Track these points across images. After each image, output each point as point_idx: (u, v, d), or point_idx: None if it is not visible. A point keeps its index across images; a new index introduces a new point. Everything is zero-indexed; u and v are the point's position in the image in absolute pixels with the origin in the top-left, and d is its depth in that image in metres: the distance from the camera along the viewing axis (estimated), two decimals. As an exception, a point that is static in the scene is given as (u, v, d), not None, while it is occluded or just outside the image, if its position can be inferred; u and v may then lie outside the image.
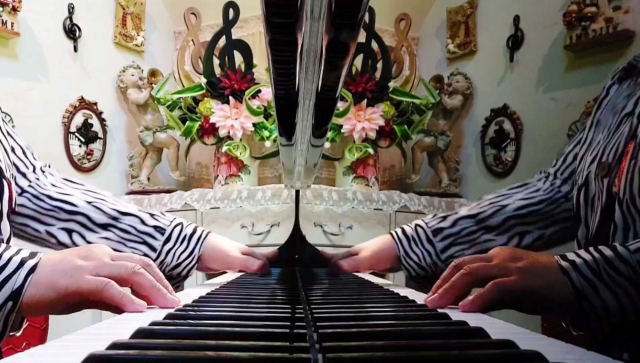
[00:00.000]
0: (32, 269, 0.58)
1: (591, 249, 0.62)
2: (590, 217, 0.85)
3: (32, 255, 0.60)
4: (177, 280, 0.94)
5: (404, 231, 1.01)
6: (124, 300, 0.58)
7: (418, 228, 1.00)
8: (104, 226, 0.91)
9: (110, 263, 0.62)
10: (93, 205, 0.91)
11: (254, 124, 2.09)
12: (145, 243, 0.92)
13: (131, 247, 0.91)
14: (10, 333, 0.60)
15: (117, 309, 0.60)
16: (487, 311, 0.60)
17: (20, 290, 0.56)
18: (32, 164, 0.92)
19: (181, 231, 0.94)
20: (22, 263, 0.58)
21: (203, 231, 0.98)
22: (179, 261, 0.92)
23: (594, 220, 0.83)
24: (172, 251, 0.92)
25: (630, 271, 0.58)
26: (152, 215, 0.95)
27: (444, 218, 1.00)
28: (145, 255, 0.90)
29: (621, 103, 0.86)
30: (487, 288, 0.59)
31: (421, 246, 0.97)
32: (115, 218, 0.92)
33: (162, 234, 0.93)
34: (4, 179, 0.81)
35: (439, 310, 0.56)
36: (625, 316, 0.57)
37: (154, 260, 0.89)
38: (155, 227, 0.93)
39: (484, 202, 1.01)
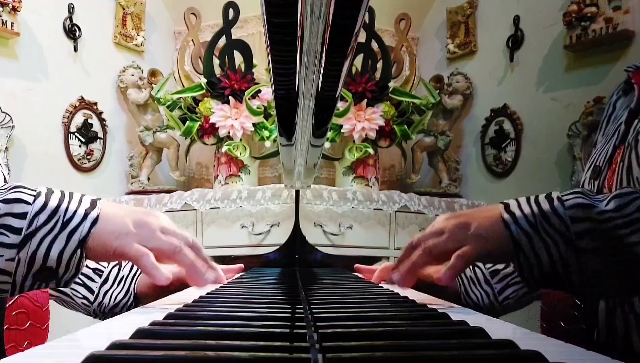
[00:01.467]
0: (95, 221, 0.64)
1: (532, 201, 0.65)
2: None
3: (93, 204, 0.66)
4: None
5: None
6: (153, 271, 0.66)
7: (476, 268, 1.01)
8: None
9: (158, 237, 0.68)
10: None
11: (254, 124, 2.09)
12: (84, 285, 0.92)
13: (71, 288, 0.91)
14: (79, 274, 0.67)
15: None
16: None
17: (85, 239, 0.63)
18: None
19: (118, 272, 0.95)
20: (85, 216, 0.64)
21: (138, 268, 0.98)
22: (116, 301, 0.93)
23: None
24: (109, 292, 0.93)
25: (562, 227, 0.61)
26: None
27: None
28: (84, 297, 0.92)
29: (621, 114, 0.89)
30: (454, 262, 0.66)
31: (480, 287, 0.99)
32: None
33: (100, 276, 0.94)
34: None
35: (439, 310, 0.56)
36: (554, 266, 0.61)
37: (92, 302, 0.92)
38: (94, 269, 0.94)
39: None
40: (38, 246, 0.60)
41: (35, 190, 0.63)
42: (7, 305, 0.87)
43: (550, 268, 0.61)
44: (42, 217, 0.61)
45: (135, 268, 0.96)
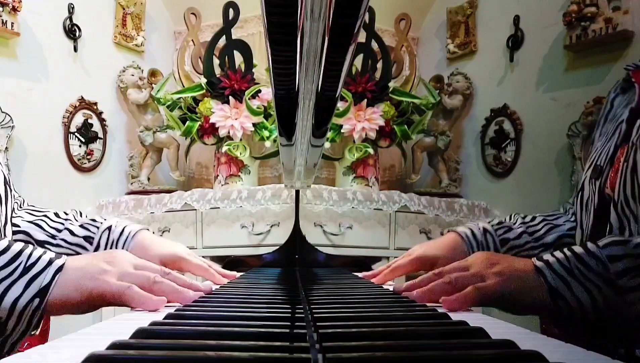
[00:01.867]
0: (60, 269, 0.60)
1: (565, 249, 0.64)
2: (585, 219, 0.87)
3: (58, 256, 0.62)
4: None
5: (473, 233, 1.00)
6: (144, 299, 0.61)
7: (487, 233, 1.00)
8: (42, 244, 0.92)
9: (134, 272, 0.65)
10: (34, 223, 0.93)
11: (254, 124, 2.09)
12: (76, 254, 0.91)
13: None
14: (31, 333, 0.61)
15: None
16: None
17: (47, 288, 0.58)
18: None
19: (109, 236, 0.94)
20: (50, 262, 0.60)
21: (131, 230, 0.97)
22: None
23: (587, 222, 0.85)
24: None
25: (600, 267, 0.59)
26: (84, 225, 0.95)
27: (509, 229, 1.00)
28: None
29: (620, 112, 0.89)
30: (468, 291, 0.63)
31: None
32: (52, 236, 0.93)
33: (91, 243, 0.93)
34: (7, 186, 0.82)
35: (439, 310, 0.56)
36: (597, 311, 0.58)
37: None
38: (85, 237, 0.93)
39: (537, 219, 1.02)
40: None
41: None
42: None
43: (594, 313, 0.58)
44: (3, 259, 0.58)
45: (125, 232, 0.95)
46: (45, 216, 0.95)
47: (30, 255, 0.60)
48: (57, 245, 0.92)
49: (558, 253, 0.63)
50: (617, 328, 0.58)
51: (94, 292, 0.60)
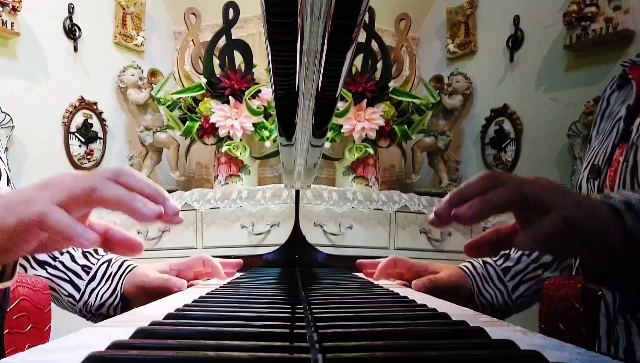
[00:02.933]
0: None
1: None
2: None
3: None
4: (99, 318, 0.92)
5: (474, 266, 1.00)
6: (70, 229, 0.48)
7: (487, 265, 0.99)
8: (42, 264, 0.91)
9: (67, 187, 0.50)
10: None
11: (254, 124, 2.09)
12: (70, 282, 0.91)
13: (58, 284, 0.90)
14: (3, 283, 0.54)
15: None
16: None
17: None
18: None
19: (107, 268, 0.93)
20: None
21: (130, 264, 0.95)
22: (102, 300, 0.91)
23: None
24: (96, 290, 0.91)
25: None
26: (86, 253, 0.94)
27: (507, 256, 1.00)
28: (70, 294, 0.90)
29: (617, 109, 0.87)
30: (548, 220, 0.49)
31: (493, 285, 0.97)
32: (53, 257, 0.92)
33: (88, 273, 0.92)
34: (11, 187, 0.82)
35: (439, 310, 0.56)
36: None
37: (78, 301, 0.90)
38: (83, 266, 0.92)
39: None
40: None
41: None
42: (7, 309, 0.87)
43: None
44: None
45: (124, 266, 0.95)
46: None
47: None
48: (55, 267, 0.91)
49: (633, 194, 0.53)
50: None
51: (18, 227, 0.49)
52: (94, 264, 0.94)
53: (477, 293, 0.97)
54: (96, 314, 0.92)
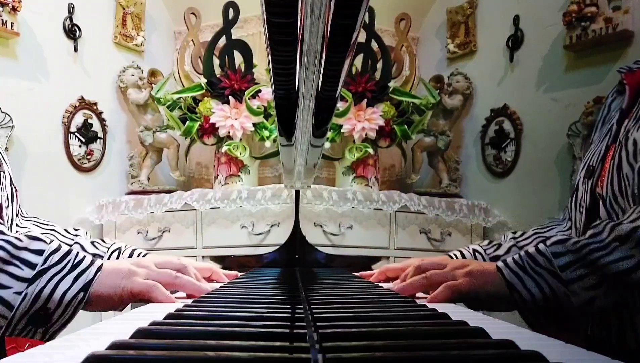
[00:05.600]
0: (100, 267, 0.68)
1: (521, 251, 0.73)
2: (578, 218, 0.89)
3: (95, 259, 0.70)
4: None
5: (462, 254, 1.04)
6: (168, 300, 0.70)
7: (476, 253, 1.03)
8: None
9: (157, 271, 0.75)
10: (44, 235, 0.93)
11: (254, 124, 2.09)
12: None
13: None
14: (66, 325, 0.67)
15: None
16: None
17: (90, 283, 0.66)
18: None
19: (118, 257, 0.97)
20: (92, 262, 0.68)
21: (141, 252, 1.01)
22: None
23: (580, 221, 0.87)
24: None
25: (546, 262, 0.67)
26: (95, 243, 0.97)
27: (498, 246, 1.04)
28: None
29: (614, 115, 0.91)
30: (440, 289, 0.73)
31: None
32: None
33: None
34: (13, 186, 0.84)
35: (439, 310, 0.56)
36: (547, 301, 0.66)
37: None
38: (93, 255, 0.95)
39: (528, 233, 1.05)
40: (46, 284, 0.63)
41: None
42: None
43: (544, 302, 0.66)
44: (56, 257, 0.65)
45: (134, 255, 0.98)
46: (54, 229, 0.96)
47: (77, 254, 0.67)
48: None
49: (516, 255, 0.72)
50: (566, 316, 0.65)
51: (125, 289, 0.69)
52: (104, 252, 0.96)
53: None
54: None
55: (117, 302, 0.70)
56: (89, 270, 0.66)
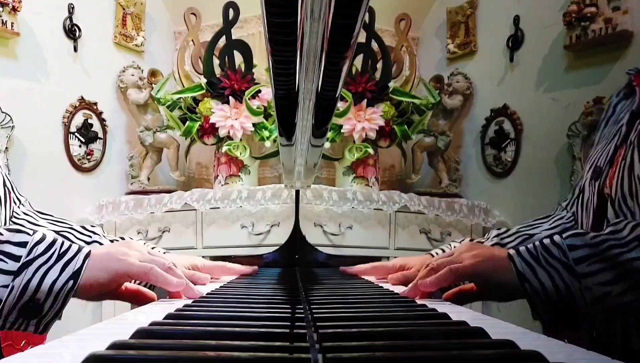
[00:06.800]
0: (88, 254, 0.68)
1: (536, 241, 0.70)
2: (585, 220, 0.89)
3: (83, 245, 0.70)
4: None
5: (443, 251, 1.05)
6: (167, 279, 0.71)
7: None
8: None
9: (150, 256, 0.74)
10: (61, 234, 0.91)
11: (254, 124, 2.09)
12: None
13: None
14: (59, 316, 0.67)
15: (143, 300, 0.76)
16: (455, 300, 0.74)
17: (79, 271, 0.65)
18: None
19: None
20: (79, 249, 0.68)
21: (160, 249, 1.01)
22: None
23: (587, 222, 0.87)
24: None
25: (561, 254, 0.65)
26: (113, 241, 0.96)
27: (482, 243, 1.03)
28: None
29: (622, 116, 0.91)
30: (443, 272, 0.72)
31: None
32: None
33: None
34: (6, 187, 0.84)
35: (439, 310, 0.56)
36: (559, 293, 0.64)
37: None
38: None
39: (512, 231, 1.06)
40: (33, 275, 0.62)
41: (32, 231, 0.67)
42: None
43: (557, 296, 0.64)
44: (41, 247, 0.64)
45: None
46: (71, 228, 0.95)
47: (62, 243, 0.67)
48: None
49: (530, 245, 0.70)
50: (577, 312, 0.64)
51: (119, 271, 0.69)
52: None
53: None
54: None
55: (112, 284, 0.70)
56: (76, 257, 0.66)
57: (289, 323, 0.46)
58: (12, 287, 0.61)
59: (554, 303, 0.64)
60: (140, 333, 0.40)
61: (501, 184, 2.29)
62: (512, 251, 0.69)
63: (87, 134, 2.23)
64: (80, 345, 0.40)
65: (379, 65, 2.22)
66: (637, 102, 0.86)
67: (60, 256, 0.65)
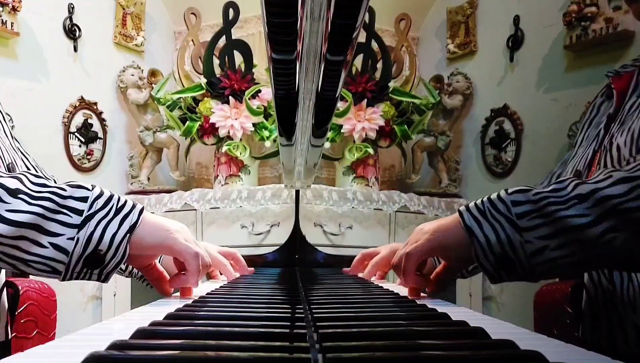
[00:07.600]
0: (141, 211, 0.71)
1: (484, 197, 0.72)
2: None
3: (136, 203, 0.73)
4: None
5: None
6: (195, 273, 0.74)
7: None
8: None
9: (196, 245, 0.76)
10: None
11: (254, 124, 2.09)
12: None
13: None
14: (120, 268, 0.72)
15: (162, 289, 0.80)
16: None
17: (135, 225, 0.69)
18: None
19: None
20: (134, 206, 0.71)
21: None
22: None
23: None
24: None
25: (505, 209, 0.67)
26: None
27: None
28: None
29: (603, 119, 0.91)
30: (403, 263, 0.74)
31: None
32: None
33: None
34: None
35: (439, 310, 0.56)
36: (502, 247, 0.66)
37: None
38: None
39: None
40: (95, 228, 0.66)
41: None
42: (16, 312, 0.88)
43: (500, 248, 0.66)
44: (100, 202, 0.68)
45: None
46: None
47: (119, 199, 0.70)
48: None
49: (478, 200, 0.71)
50: (518, 264, 0.65)
51: (164, 243, 0.72)
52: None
53: None
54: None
55: (153, 251, 0.73)
56: (132, 213, 0.69)
57: (288, 323, 0.46)
58: (77, 239, 0.65)
59: (497, 255, 0.66)
60: (140, 333, 0.40)
61: (501, 184, 2.29)
62: (462, 208, 0.71)
63: (87, 134, 2.23)
64: (80, 345, 0.40)
65: (379, 65, 2.22)
66: (613, 105, 0.87)
67: (118, 211, 0.68)
